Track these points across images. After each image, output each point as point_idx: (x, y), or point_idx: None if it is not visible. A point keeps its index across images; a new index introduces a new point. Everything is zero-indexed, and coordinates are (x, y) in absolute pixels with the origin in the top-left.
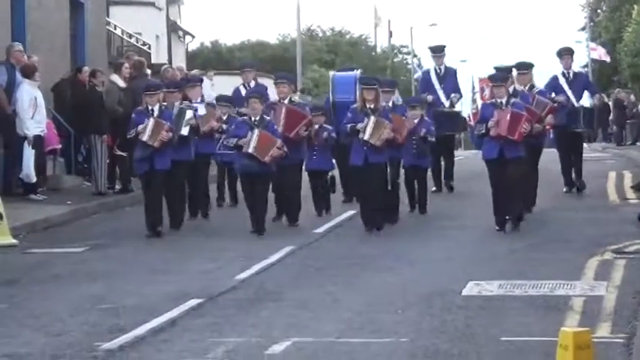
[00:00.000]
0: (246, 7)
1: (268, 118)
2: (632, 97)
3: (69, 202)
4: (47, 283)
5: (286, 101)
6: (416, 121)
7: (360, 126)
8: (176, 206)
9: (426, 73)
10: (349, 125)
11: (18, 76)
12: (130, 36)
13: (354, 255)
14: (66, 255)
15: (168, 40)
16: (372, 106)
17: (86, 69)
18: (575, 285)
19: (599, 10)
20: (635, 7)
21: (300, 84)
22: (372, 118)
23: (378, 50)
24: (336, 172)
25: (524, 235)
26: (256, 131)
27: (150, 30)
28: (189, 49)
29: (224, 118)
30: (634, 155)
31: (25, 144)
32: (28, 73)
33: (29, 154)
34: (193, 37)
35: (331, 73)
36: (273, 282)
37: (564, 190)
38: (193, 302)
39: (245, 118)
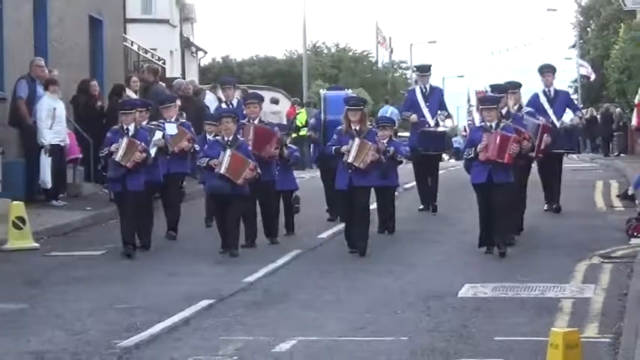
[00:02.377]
0: (255, 24)
1: (242, 138)
2: (619, 110)
3: (88, 208)
4: (67, 285)
5: (256, 121)
6: (385, 141)
7: (344, 148)
8: (145, 226)
9: (412, 92)
10: (334, 147)
11: (39, 89)
12: (146, 51)
13: (356, 259)
14: (85, 258)
15: (181, 56)
16: (357, 128)
17: (94, 83)
18: (565, 288)
19: (588, 29)
20: (622, 25)
21: (306, 98)
22: (357, 140)
23: (379, 66)
24: (299, 193)
25: (517, 240)
26: (228, 151)
27: (164, 46)
28: (202, 64)
29: (210, 137)
30: (620, 166)
31: (42, 152)
32: (48, 86)
33: (46, 163)
34: (205, 52)
35: (322, 92)
36: (280, 284)
37: (545, 207)
38: (205, 303)
39: (218, 138)
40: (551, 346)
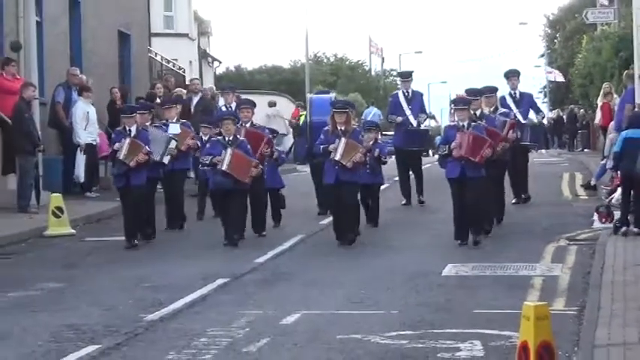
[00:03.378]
0: (264, 37)
1: (241, 138)
2: (582, 111)
3: (117, 199)
4: (100, 266)
5: (248, 124)
6: (371, 142)
7: (332, 147)
8: (148, 218)
9: (395, 96)
10: (322, 146)
11: (74, 94)
12: (168, 61)
13: (353, 243)
14: (115, 242)
15: (199, 65)
16: (342, 128)
17: (115, 90)
18: (536, 267)
19: (555, 40)
20: (585, 37)
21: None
22: (343, 139)
23: (373, 73)
24: (284, 191)
25: (494, 226)
26: (229, 150)
27: (184, 57)
28: (217, 73)
29: (205, 139)
30: (584, 160)
31: (78, 150)
32: (82, 92)
33: (80, 159)
34: (220, 62)
35: (309, 95)
36: (286, 265)
37: (512, 201)
38: (220, 281)
39: (219, 138)
40: (523, 317)
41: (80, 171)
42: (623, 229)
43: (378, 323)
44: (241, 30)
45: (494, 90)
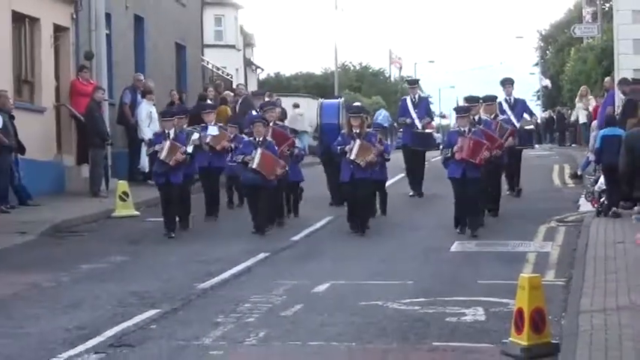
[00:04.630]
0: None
1: (270, 139)
2: (570, 111)
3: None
4: (160, 243)
5: (271, 124)
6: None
7: (347, 148)
8: (184, 210)
9: (404, 101)
10: (339, 147)
11: (138, 96)
12: (218, 69)
13: (374, 223)
14: None
15: (244, 72)
16: (357, 131)
17: (174, 92)
18: (530, 244)
19: (547, 51)
20: (573, 49)
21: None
22: (358, 141)
23: (392, 80)
24: (304, 184)
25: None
26: (259, 150)
27: (232, 65)
28: (260, 79)
29: (231, 136)
30: (572, 153)
31: (143, 144)
32: (146, 94)
33: (144, 152)
34: (262, 69)
35: (320, 100)
36: (318, 242)
37: (507, 192)
38: (262, 256)
39: (251, 139)
40: (519, 287)
41: (145, 162)
42: (613, 209)
43: (395, 292)
44: (280, 41)
45: (493, 99)
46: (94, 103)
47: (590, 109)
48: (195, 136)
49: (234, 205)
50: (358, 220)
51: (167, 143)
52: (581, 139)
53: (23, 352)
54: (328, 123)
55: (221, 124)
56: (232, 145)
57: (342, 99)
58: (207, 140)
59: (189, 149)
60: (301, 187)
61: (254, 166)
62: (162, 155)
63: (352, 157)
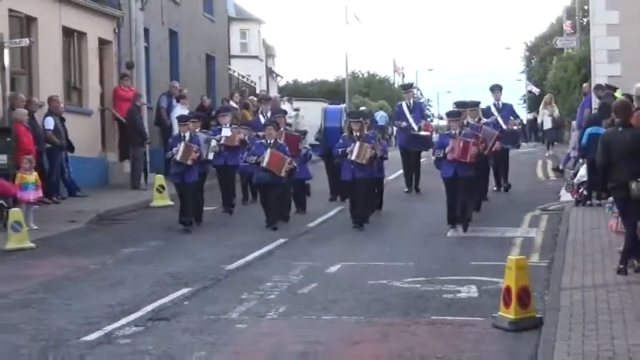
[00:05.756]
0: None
1: (280, 141)
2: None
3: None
4: (192, 229)
5: (282, 129)
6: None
7: (348, 149)
8: (198, 206)
9: (400, 105)
10: (340, 149)
11: (173, 101)
12: (243, 77)
13: (378, 214)
14: (206, 211)
15: (266, 80)
16: (357, 134)
17: (205, 98)
18: (517, 230)
19: (532, 60)
20: (554, 58)
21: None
22: (358, 143)
23: (396, 86)
24: (314, 180)
25: (484, 202)
26: (269, 150)
27: (255, 73)
28: (280, 85)
29: (244, 137)
30: (554, 150)
31: None
32: (180, 99)
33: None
34: (282, 77)
35: (323, 105)
36: (330, 228)
37: (494, 188)
38: (281, 240)
39: (263, 140)
40: (507, 267)
41: None
42: (590, 201)
43: (399, 272)
44: (298, 52)
45: (477, 104)
46: (134, 108)
47: (555, 115)
48: (214, 143)
49: (248, 201)
50: (359, 215)
51: (182, 145)
52: (548, 141)
53: (71, 326)
54: (331, 126)
55: (235, 126)
56: (246, 138)
57: (344, 105)
58: (222, 141)
59: (210, 156)
60: (307, 184)
61: (264, 164)
62: (178, 156)
63: (353, 157)
